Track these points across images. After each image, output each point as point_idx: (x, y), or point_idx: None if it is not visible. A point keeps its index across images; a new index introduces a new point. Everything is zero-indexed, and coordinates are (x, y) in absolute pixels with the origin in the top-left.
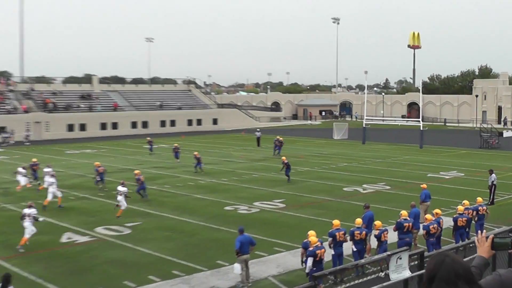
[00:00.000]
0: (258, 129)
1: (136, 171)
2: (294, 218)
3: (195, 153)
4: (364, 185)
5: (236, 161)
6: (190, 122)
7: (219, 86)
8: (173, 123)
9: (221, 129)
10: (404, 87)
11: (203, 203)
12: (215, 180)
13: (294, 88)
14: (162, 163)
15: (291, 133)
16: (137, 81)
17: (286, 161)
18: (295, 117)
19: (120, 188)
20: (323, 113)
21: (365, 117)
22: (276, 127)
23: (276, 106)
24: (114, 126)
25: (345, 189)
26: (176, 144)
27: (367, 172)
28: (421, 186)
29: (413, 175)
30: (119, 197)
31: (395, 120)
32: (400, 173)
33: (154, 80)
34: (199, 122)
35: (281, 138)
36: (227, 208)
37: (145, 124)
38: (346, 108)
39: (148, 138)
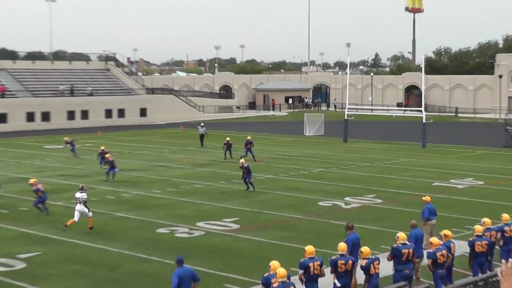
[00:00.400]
0: (201, 124)
1: (32, 180)
2: (252, 243)
3: (102, 148)
4: (347, 198)
5: (172, 166)
6: (108, 113)
7: (149, 64)
8: (85, 114)
9: (152, 123)
10: (401, 65)
11: (127, 224)
12: (143, 193)
13: (251, 67)
14: (70, 170)
15: (247, 128)
16: (34, 56)
17: (246, 165)
18: (252, 106)
19: (78, 194)
20: (291, 101)
21: (348, 106)
22: (226, 120)
23: (226, 92)
24: (1, 118)
25: (320, 203)
26: (103, 148)
27: (350, 181)
28: (424, 199)
29: (413, 184)
30: (78, 206)
31: (388, 110)
32: (396, 181)
33: (58, 55)
34: (121, 113)
35: (231, 141)
36: (160, 230)
37: (45, 116)
38: (321, 93)
39: (66, 138)
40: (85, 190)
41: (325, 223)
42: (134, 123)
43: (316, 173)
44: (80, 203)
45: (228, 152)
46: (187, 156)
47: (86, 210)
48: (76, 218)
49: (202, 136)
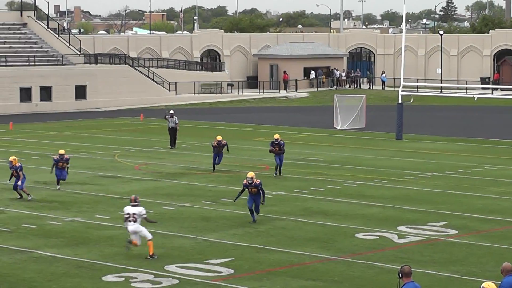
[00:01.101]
0: (171, 111)
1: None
2: None
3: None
4: (401, 228)
5: (127, 178)
6: (26, 94)
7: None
8: None
9: (95, 109)
10: (488, 18)
11: (55, 270)
12: (81, 219)
13: (251, 21)
14: None
15: (244, 117)
16: None
17: (254, 181)
18: (253, 82)
19: (130, 209)
20: (313, 75)
21: (403, 83)
22: (212, 104)
23: (212, 61)
24: None
25: (360, 235)
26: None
27: (407, 201)
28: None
29: (508, 207)
30: (132, 226)
31: (467, 89)
32: (479, 201)
33: None
34: (45, 93)
35: (224, 141)
36: (109, 278)
37: None
38: (361, 63)
39: None
40: (139, 202)
41: (367, 267)
42: (66, 110)
43: (353, 188)
44: (134, 221)
45: (217, 157)
46: (150, 162)
47: (144, 230)
48: (138, 242)
49: (173, 131)
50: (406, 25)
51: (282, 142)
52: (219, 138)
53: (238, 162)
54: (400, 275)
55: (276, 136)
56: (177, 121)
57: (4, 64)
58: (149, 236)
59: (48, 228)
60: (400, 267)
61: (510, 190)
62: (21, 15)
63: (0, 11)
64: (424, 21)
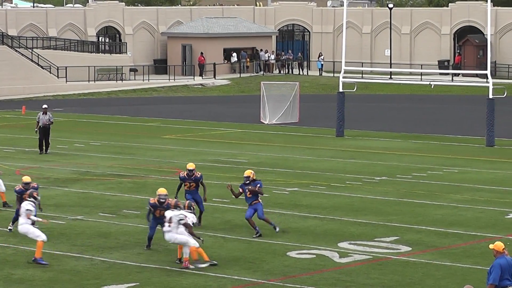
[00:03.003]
0: (44, 106)
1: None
2: None
3: None
4: (343, 244)
5: (5, 185)
6: None
7: None
8: None
9: None
10: None
11: None
12: None
13: None
14: None
15: (150, 110)
16: None
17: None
18: (161, 67)
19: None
20: (235, 57)
21: (344, 68)
22: (111, 94)
23: (111, 40)
24: None
25: (292, 254)
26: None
27: (349, 211)
28: (492, 246)
29: (471, 218)
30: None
31: (421, 75)
32: (437, 211)
33: None
34: None
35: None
36: None
37: None
38: (293, 43)
39: None
40: (179, 207)
41: None
42: None
43: (284, 196)
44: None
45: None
46: (34, 166)
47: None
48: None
49: (44, 131)
50: None
51: (258, 181)
52: (190, 166)
53: (143, 165)
54: None
55: (248, 173)
56: (51, 119)
57: None
58: (192, 243)
59: None
60: None
61: (474, 198)
62: None
63: None
64: None
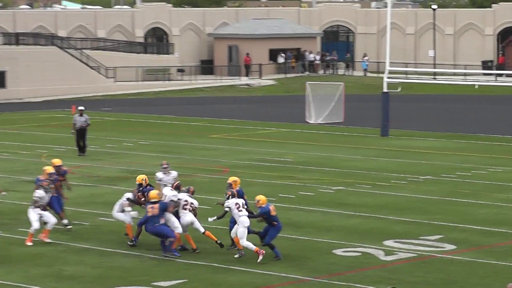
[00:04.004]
0: (80, 107)
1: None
2: None
3: None
4: (388, 242)
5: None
6: None
7: None
8: None
9: (16, 100)
10: None
11: None
12: (1, 234)
13: None
14: None
15: (197, 110)
16: None
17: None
18: (207, 68)
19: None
20: (281, 58)
21: (389, 68)
22: (158, 94)
23: (158, 41)
24: None
25: (337, 252)
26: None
27: (394, 210)
28: None
29: None
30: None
31: (466, 75)
32: (482, 210)
33: None
34: None
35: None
36: None
37: None
38: (338, 44)
39: None
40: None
41: None
42: None
43: (330, 195)
44: (191, 210)
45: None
46: (85, 164)
47: (197, 222)
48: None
49: (81, 133)
50: None
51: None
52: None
53: (190, 164)
54: None
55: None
56: (88, 121)
57: None
58: (202, 230)
59: None
60: None
61: None
62: None
63: None
64: None
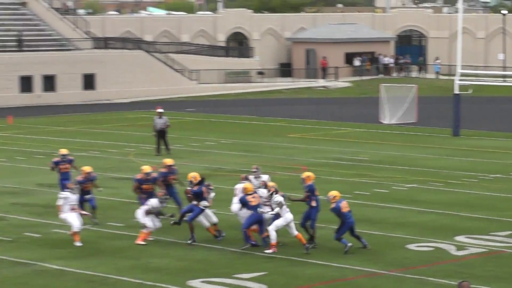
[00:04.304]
0: (159, 110)
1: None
2: None
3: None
4: (459, 238)
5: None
6: (26, 84)
7: None
8: None
9: (105, 101)
10: None
11: None
12: (91, 228)
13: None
14: None
15: (276, 110)
16: None
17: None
18: (286, 70)
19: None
20: (357, 61)
21: (460, 71)
22: (239, 96)
23: (239, 45)
24: None
25: (411, 246)
26: (64, 151)
27: (465, 207)
28: None
29: None
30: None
31: None
32: None
33: None
34: (49, 83)
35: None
36: None
37: None
38: (411, 48)
39: None
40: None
41: (421, 283)
42: (72, 101)
43: (403, 192)
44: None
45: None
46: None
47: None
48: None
49: (161, 134)
50: (463, 4)
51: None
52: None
53: (270, 162)
54: None
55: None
56: (167, 122)
57: (1, 49)
58: (296, 232)
59: (54, 237)
60: (458, 283)
61: None
62: None
63: None
64: None
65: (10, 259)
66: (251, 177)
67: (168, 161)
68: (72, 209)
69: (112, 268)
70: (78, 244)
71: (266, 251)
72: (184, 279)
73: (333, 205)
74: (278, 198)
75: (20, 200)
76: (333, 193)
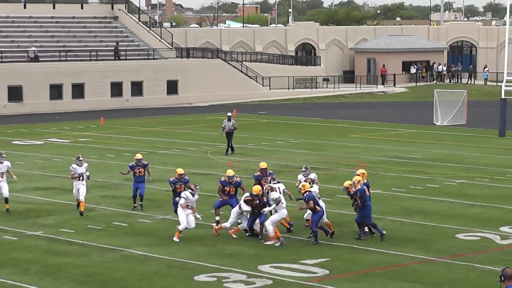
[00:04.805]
0: (228, 114)
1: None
2: None
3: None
4: (504, 228)
5: (219, 175)
6: (117, 89)
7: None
8: (78, 90)
9: (187, 104)
10: None
11: (144, 268)
12: (172, 218)
13: (347, 14)
14: (55, 180)
15: (340, 114)
16: None
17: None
18: (349, 77)
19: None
20: (413, 69)
21: (506, 77)
22: (306, 100)
23: (307, 54)
24: None
25: (460, 236)
26: (139, 156)
27: (510, 200)
28: None
29: None
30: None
31: None
32: None
33: None
34: (136, 88)
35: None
36: (201, 278)
37: (14, 93)
38: (462, 57)
39: None
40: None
41: (468, 269)
42: (158, 105)
43: (453, 187)
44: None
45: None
46: (243, 159)
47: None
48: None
49: (229, 134)
50: (510, 17)
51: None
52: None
53: (334, 160)
54: (502, 278)
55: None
56: (235, 125)
57: (95, 58)
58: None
59: (139, 226)
60: (502, 269)
61: None
62: (112, 8)
63: (91, 4)
64: None
65: (100, 246)
66: (299, 176)
67: (262, 164)
68: (187, 208)
69: (190, 254)
70: (175, 239)
71: (266, 243)
72: (255, 264)
73: (358, 186)
74: (274, 195)
75: (109, 193)
76: (357, 177)
